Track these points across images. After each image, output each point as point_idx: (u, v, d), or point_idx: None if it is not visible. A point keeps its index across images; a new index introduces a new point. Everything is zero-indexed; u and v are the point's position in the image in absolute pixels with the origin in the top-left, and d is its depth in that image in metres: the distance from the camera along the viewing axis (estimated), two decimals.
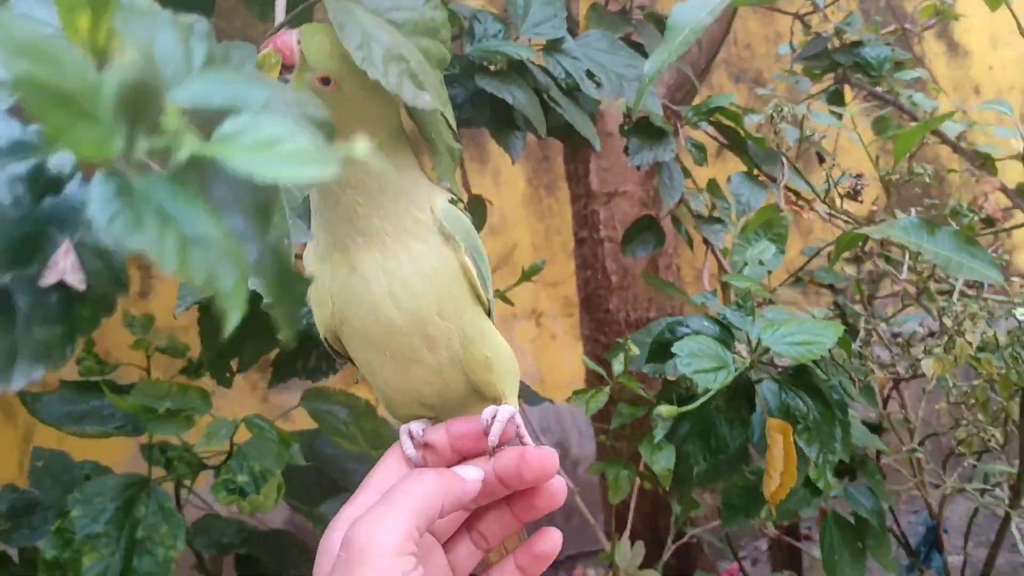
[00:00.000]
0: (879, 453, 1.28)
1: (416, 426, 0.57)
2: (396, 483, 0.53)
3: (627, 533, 1.23)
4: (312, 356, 0.86)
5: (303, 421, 1.36)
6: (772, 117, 1.03)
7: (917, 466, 1.36)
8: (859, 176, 1.06)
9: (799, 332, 0.87)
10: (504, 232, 3.13)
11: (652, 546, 1.21)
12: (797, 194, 1.21)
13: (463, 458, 0.57)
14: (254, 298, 0.82)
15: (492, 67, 1.03)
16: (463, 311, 0.56)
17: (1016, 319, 0.85)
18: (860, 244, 1.17)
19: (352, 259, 0.54)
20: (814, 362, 0.89)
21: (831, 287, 2.01)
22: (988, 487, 1.21)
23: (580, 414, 3.14)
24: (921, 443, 1.17)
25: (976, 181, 1.96)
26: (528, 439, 0.58)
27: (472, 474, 0.54)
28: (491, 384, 0.57)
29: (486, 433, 0.55)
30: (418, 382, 0.57)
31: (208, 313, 0.84)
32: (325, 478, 1.28)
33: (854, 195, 1.06)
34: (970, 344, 0.89)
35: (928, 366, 0.93)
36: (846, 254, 1.16)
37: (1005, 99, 3.13)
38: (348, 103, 0.52)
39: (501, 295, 1.36)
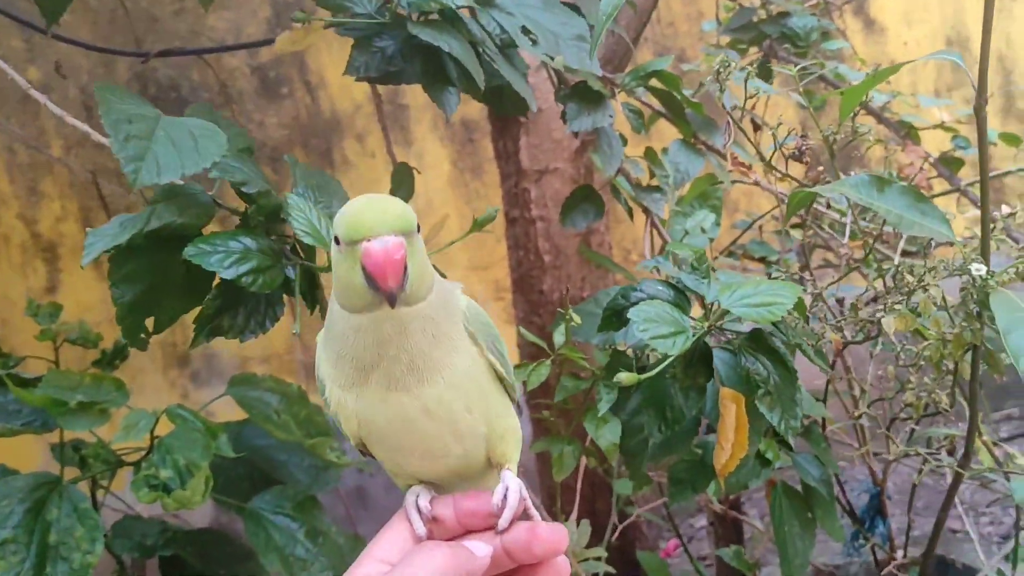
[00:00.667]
0: (824, 421, 1.26)
1: (424, 500, 0.58)
2: (409, 556, 0.54)
3: (574, 514, 1.19)
4: (240, 312, 0.78)
5: (225, 415, 1.28)
6: (719, 72, 0.99)
7: (861, 433, 1.35)
8: (804, 136, 1.03)
9: (758, 293, 0.84)
10: (430, 215, 3.06)
11: (592, 528, 1.17)
12: (742, 163, 1.18)
13: (469, 531, 0.58)
14: (172, 247, 0.75)
15: (425, 17, 0.97)
16: (488, 398, 0.59)
17: (971, 275, 0.84)
18: (804, 209, 1.15)
19: (384, 391, 0.56)
20: (774, 324, 0.86)
21: (763, 260, 2.01)
22: (933, 451, 1.20)
23: None
24: (863, 411, 1.16)
25: (901, 150, 1.98)
26: (535, 514, 0.59)
27: (482, 550, 0.56)
28: (503, 453, 0.61)
29: (496, 515, 0.57)
30: (443, 470, 0.59)
31: (121, 260, 0.76)
32: (255, 471, 1.21)
33: (799, 156, 1.03)
34: (933, 300, 0.87)
35: (889, 323, 0.91)
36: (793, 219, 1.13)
37: (920, 74, 3.20)
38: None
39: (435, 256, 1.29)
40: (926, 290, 0.88)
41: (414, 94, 3.03)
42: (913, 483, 1.33)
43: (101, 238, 0.74)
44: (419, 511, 0.57)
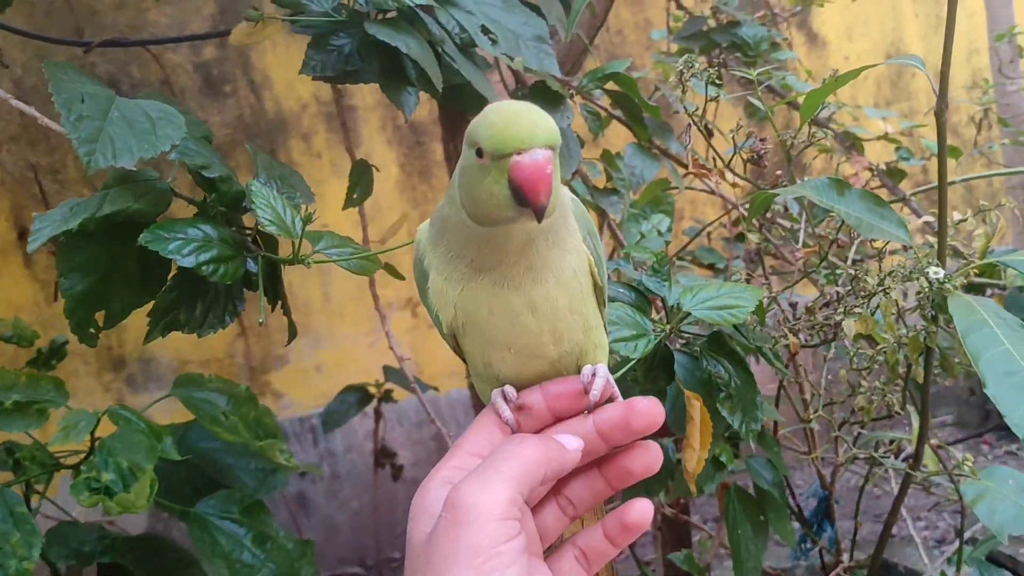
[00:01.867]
0: (776, 425, 1.27)
1: (509, 389, 0.58)
2: (499, 447, 0.54)
3: None
4: (198, 306, 0.75)
5: (163, 420, 1.23)
6: (682, 73, 0.99)
7: (811, 438, 1.36)
8: (763, 140, 1.03)
9: (719, 296, 0.84)
10: (377, 218, 3.01)
11: None
12: (703, 166, 1.18)
13: (558, 419, 0.57)
14: (126, 235, 0.71)
15: (383, 15, 0.95)
16: (587, 302, 0.59)
17: (927, 279, 0.85)
18: (762, 212, 1.16)
19: (495, 287, 0.56)
20: (735, 327, 0.86)
21: (711, 266, 2.02)
22: (881, 455, 1.22)
23: (459, 403, 3.08)
24: (815, 414, 1.17)
25: (846, 160, 2.01)
26: (620, 397, 0.58)
27: (574, 443, 0.55)
28: (596, 359, 0.60)
29: (586, 391, 0.57)
30: (534, 372, 0.58)
31: (71, 248, 0.72)
32: (199, 475, 1.17)
33: (757, 159, 1.03)
34: (895, 301, 0.88)
35: (850, 326, 0.91)
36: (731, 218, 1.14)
37: (859, 88, 3.27)
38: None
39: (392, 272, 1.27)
40: (887, 293, 0.88)
41: (362, 94, 2.99)
42: (861, 487, 1.34)
43: (49, 223, 0.70)
44: (505, 399, 0.57)
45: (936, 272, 0.84)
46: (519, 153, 0.50)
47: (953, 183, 1.54)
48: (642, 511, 0.57)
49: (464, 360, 0.63)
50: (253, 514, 1.06)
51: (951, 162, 2.04)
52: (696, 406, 0.86)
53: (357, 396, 1.82)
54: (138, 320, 2.54)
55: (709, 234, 2.09)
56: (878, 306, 0.89)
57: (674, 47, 2.19)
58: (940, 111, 0.85)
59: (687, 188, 1.57)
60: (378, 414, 1.91)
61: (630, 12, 3.22)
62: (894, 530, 2.49)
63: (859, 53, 3.35)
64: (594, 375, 0.57)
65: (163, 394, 1.16)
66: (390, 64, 0.98)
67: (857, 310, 0.91)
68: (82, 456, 0.99)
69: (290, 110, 2.94)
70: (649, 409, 0.56)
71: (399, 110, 1.00)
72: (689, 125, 1.04)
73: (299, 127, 2.95)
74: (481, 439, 0.56)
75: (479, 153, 0.52)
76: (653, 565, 2.41)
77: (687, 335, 0.95)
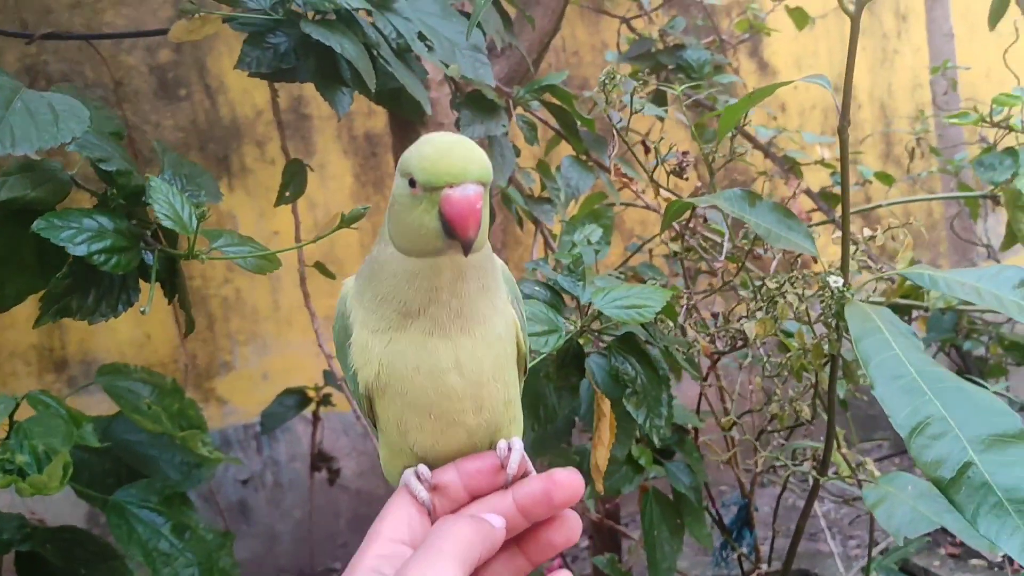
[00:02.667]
0: (696, 432, 1.31)
1: (423, 468, 0.57)
2: (435, 530, 0.51)
3: None
4: (91, 294, 0.76)
5: (95, 413, 1.23)
6: (604, 83, 1.03)
7: (731, 446, 1.40)
8: (685, 153, 1.07)
9: (629, 296, 0.87)
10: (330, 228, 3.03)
11: None
12: (625, 175, 1.22)
13: (474, 497, 0.56)
14: (23, 222, 0.73)
15: (319, 16, 0.97)
16: (510, 369, 0.59)
17: (829, 287, 0.89)
18: (683, 222, 1.20)
19: (424, 336, 0.55)
20: (643, 326, 0.89)
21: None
22: (796, 462, 1.25)
23: None
24: (728, 420, 1.21)
25: (785, 183, 2.07)
26: (534, 472, 0.58)
27: (498, 521, 0.53)
28: (510, 434, 0.60)
29: (503, 466, 0.56)
30: (451, 443, 0.58)
31: None
32: (122, 467, 1.17)
33: (680, 172, 1.07)
34: (790, 304, 0.92)
35: (750, 329, 0.95)
36: (669, 233, 1.18)
37: (807, 118, 3.36)
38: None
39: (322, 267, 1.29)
40: (785, 297, 0.92)
41: (317, 104, 3.01)
42: (779, 495, 1.38)
43: None
44: (419, 479, 0.56)
45: (836, 281, 0.88)
46: (451, 187, 0.51)
47: (878, 207, 1.61)
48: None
49: (375, 427, 0.61)
50: (173, 505, 1.06)
51: (885, 188, 2.11)
52: (606, 404, 0.89)
53: (296, 399, 1.83)
54: (80, 323, 2.52)
55: (651, 251, 2.13)
56: (778, 310, 0.93)
57: (626, 68, 2.24)
58: (842, 128, 0.90)
59: (624, 204, 1.62)
60: (316, 418, 1.92)
61: (587, 33, 3.27)
62: (818, 544, 2.54)
63: (807, 84, 3.44)
64: (510, 449, 0.57)
65: (96, 390, 1.16)
66: (325, 64, 1.01)
67: (758, 314, 0.94)
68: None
69: (245, 116, 2.94)
70: (570, 480, 0.55)
71: (333, 109, 1.02)
72: (614, 134, 1.07)
73: (253, 133, 2.95)
74: (400, 524, 0.54)
75: (411, 183, 0.53)
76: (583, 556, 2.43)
77: (607, 337, 0.99)
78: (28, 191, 0.73)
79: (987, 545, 0.99)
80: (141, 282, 0.81)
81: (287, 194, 1.11)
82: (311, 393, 1.84)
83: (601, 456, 0.92)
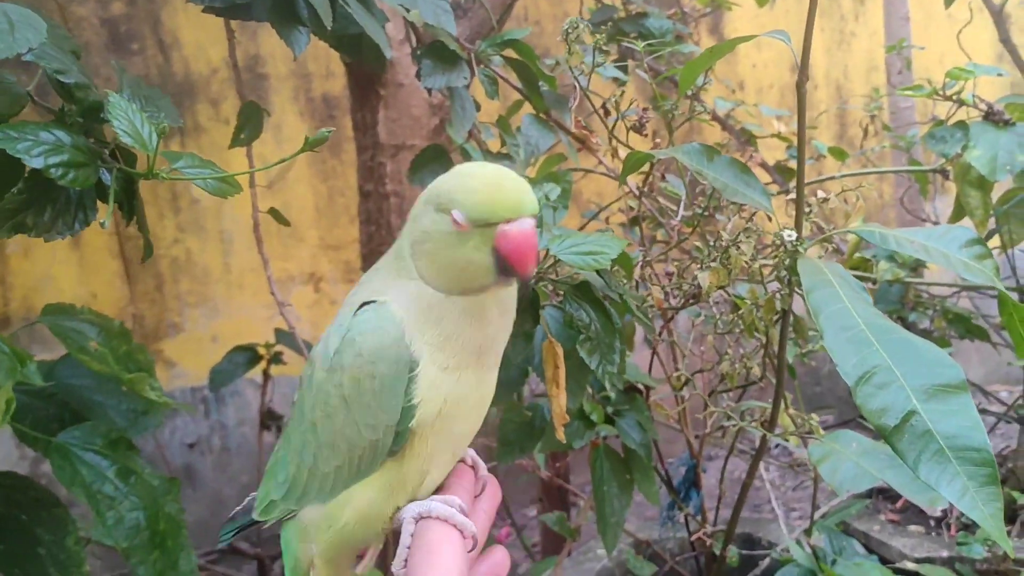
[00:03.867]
0: (648, 390, 1.32)
1: (455, 499, 0.57)
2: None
3: None
4: (48, 210, 0.74)
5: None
6: (567, 33, 1.02)
7: (682, 411, 1.41)
8: (645, 109, 1.07)
9: (585, 243, 0.87)
10: (285, 190, 2.99)
11: None
12: (586, 128, 1.22)
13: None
14: None
15: None
16: None
17: (783, 241, 0.90)
18: (641, 185, 1.20)
19: (474, 374, 0.56)
20: (599, 274, 0.89)
21: None
22: (746, 423, 1.27)
23: None
24: (687, 380, 1.22)
25: (741, 156, 2.09)
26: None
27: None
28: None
29: (473, 466, 0.61)
30: (452, 463, 0.60)
31: None
32: (67, 411, 1.14)
33: (639, 128, 1.08)
34: (744, 254, 0.93)
35: (704, 278, 0.96)
36: (627, 194, 1.18)
37: (765, 96, 3.39)
38: None
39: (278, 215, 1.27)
40: (738, 247, 0.93)
41: (275, 63, 2.96)
42: (727, 455, 1.40)
43: None
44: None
45: (790, 235, 0.89)
46: (507, 222, 0.51)
47: (832, 178, 1.62)
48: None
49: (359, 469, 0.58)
50: (118, 448, 1.04)
51: (838, 164, 2.14)
52: (559, 352, 0.90)
53: (246, 356, 1.80)
54: (24, 279, 2.46)
55: (607, 219, 2.14)
56: (731, 260, 0.94)
57: (589, 39, 2.23)
58: (801, 82, 0.90)
59: (585, 171, 1.62)
60: (266, 376, 1.90)
61: (549, 4, 3.26)
62: (763, 514, 2.58)
63: (766, 63, 3.47)
64: (472, 459, 0.61)
65: (37, 342, 1.13)
66: (282, 2, 0.99)
67: (712, 264, 0.95)
68: None
69: (199, 73, 2.88)
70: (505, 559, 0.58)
71: (289, 48, 1.00)
72: (575, 87, 1.07)
73: (208, 91, 2.89)
74: (462, 564, 0.53)
75: (457, 222, 0.52)
76: (539, 547, 2.45)
77: (563, 287, 0.99)
78: None
79: (926, 500, 1.02)
80: (99, 203, 0.79)
81: (242, 136, 1.09)
82: (262, 351, 1.82)
83: (560, 404, 0.92)
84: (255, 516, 0.61)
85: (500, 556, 0.58)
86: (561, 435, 0.99)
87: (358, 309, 0.55)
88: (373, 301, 0.55)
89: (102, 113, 0.72)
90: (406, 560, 0.53)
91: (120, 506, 1.01)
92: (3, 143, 0.67)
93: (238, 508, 0.67)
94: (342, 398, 0.54)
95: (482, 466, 0.62)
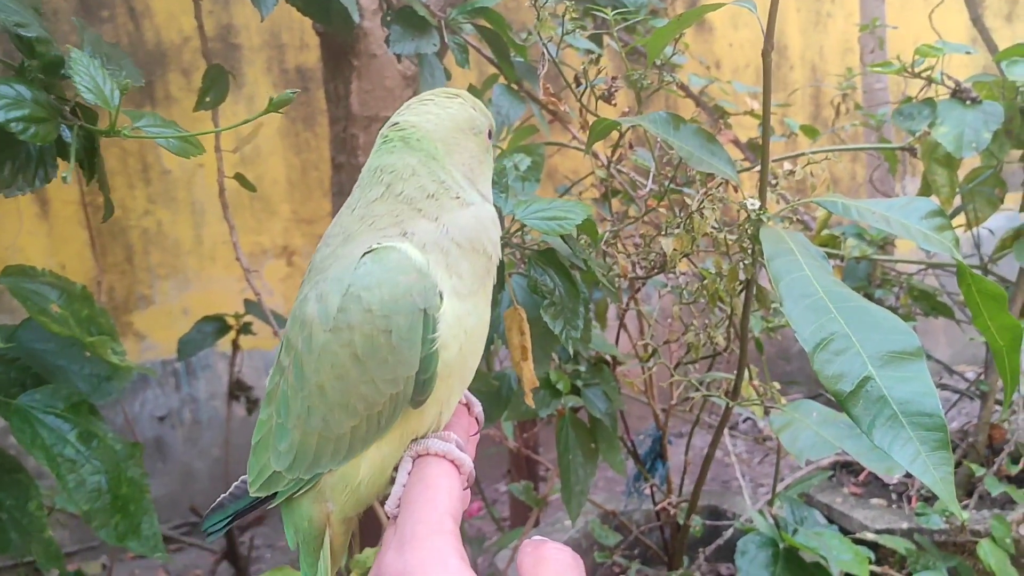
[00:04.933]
0: (614, 360, 1.33)
1: (454, 436, 0.55)
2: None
3: None
4: (7, 166, 0.73)
5: None
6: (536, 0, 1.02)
7: (649, 381, 1.42)
8: (614, 79, 1.07)
9: (551, 208, 0.87)
10: (257, 163, 2.97)
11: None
12: (555, 96, 1.22)
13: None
14: None
15: None
16: None
17: (746, 209, 0.90)
18: (611, 157, 1.20)
19: (482, 300, 0.56)
20: (564, 240, 0.89)
21: None
22: (711, 394, 1.28)
23: None
24: (654, 351, 1.23)
25: (714, 132, 2.09)
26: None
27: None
28: None
29: (476, 418, 0.60)
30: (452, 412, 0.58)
31: None
32: (29, 375, 1.13)
33: (608, 97, 1.08)
34: (706, 220, 0.93)
35: (668, 244, 0.96)
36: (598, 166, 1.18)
37: (740, 75, 3.39)
38: None
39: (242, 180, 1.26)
40: (703, 214, 0.94)
41: (248, 34, 2.92)
42: (692, 426, 1.41)
43: None
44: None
45: (753, 203, 0.90)
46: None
47: (802, 154, 1.63)
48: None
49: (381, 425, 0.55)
50: (80, 412, 1.04)
51: (809, 142, 2.15)
52: (523, 317, 0.90)
53: (215, 326, 1.79)
54: None
55: (580, 194, 2.14)
56: (695, 226, 0.94)
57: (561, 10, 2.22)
58: (766, 51, 0.91)
59: (558, 144, 1.61)
60: (236, 347, 1.89)
61: None
62: (732, 481, 2.61)
63: (741, 42, 3.48)
64: (467, 398, 0.60)
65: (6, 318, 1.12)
66: None
67: (675, 231, 0.96)
68: None
69: (171, 42, 2.85)
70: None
71: (256, 9, 0.99)
72: (543, 54, 1.07)
73: (179, 60, 2.86)
74: (456, 500, 0.51)
75: (486, 137, 0.58)
76: (508, 521, 2.47)
77: (528, 252, 0.99)
78: None
79: (883, 468, 1.03)
80: (60, 161, 0.78)
81: (207, 99, 1.08)
82: (231, 321, 1.81)
83: (528, 369, 0.92)
84: (252, 492, 0.57)
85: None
86: (531, 400, 1.00)
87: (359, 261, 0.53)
88: (372, 250, 0.53)
89: (63, 69, 0.71)
90: (400, 499, 0.52)
91: (81, 469, 1.00)
92: None
93: (224, 495, 0.62)
94: (354, 357, 0.52)
95: (476, 404, 0.60)
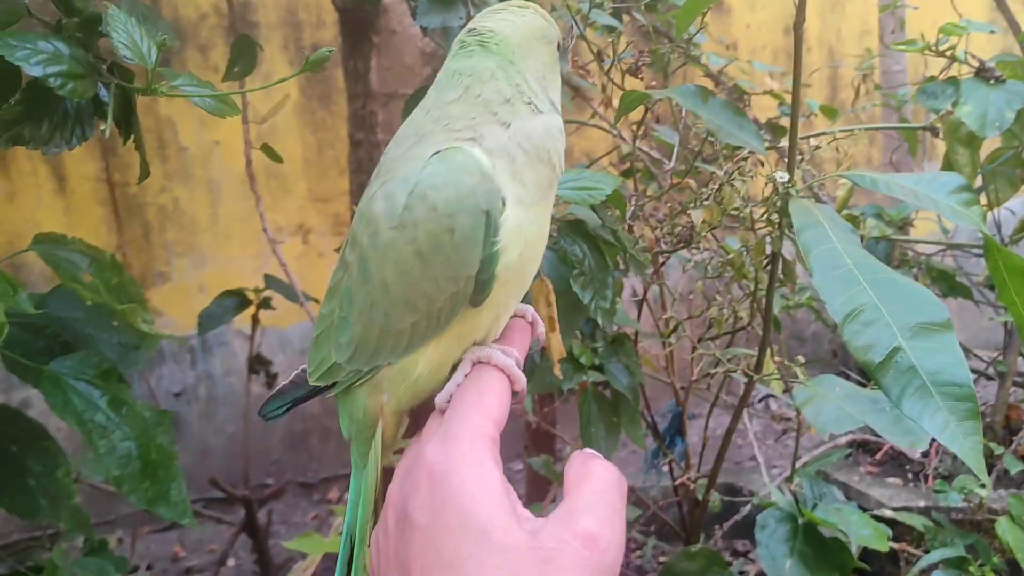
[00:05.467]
0: (636, 335, 1.33)
1: (510, 350, 0.56)
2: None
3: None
4: (45, 123, 0.73)
5: None
6: None
7: (669, 356, 1.43)
8: (642, 52, 1.07)
9: (580, 179, 0.88)
10: (274, 142, 2.96)
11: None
12: (577, 65, 1.22)
13: None
14: None
15: None
16: None
17: (775, 182, 0.91)
18: (635, 131, 1.20)
19: (544, 210, 0.57)
20: (594, 210, 0.90)
21: None
22: (732, 369, 1.29)
23: None
24: (678, 325, 1.23)
25: None
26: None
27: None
28: None
29: (531, 322, 0.61)
30: (509, 317, 0.59)
31: None
32: (57, 343, 1.14)
33: (635, 71, 1.08)
34: (737, 192, 0.94)
35: (698, 216, 0.97)
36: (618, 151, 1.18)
37: (758, 56, 3.37)
38: None
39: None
40: (732, 185, 0.94)
41: (265, 11, 2.92)
42: (712, 402, 1.42)
43: None
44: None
45: (782, 176, 0.90)
46: None
47: (823, 133, 1.63)
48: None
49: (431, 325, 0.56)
50: (110, 379, 1.05)
51: (828, 123, 2.14)
52: (550, 288, 0.91)
53: (235, 301, 1.80)
54: (8, 224, 2.44)
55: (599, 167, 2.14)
56: (724, 197, 0.95)
57: None
58: (798, 24, 0.91)
59: (578, 123, 1.61)
60: (255, 321, 1.90)
61: None
62: (747, 461, 2.62)
63: (759, 23, 3.46)
64: (532, 316, 0.61)
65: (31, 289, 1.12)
66: None
67: (706, 202, 0.96)
68: None
69: (188, 19, 2.85)
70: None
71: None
72: (571, 29, 1.07)
73: (196, 37, 2.86)
74: (504, 409, 0.52)
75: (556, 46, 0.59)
76: (524, 501, 2.49)
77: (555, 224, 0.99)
78: None
79: (907, 442, 1.04)
80: (96, 119, 0.79)
81: (235, 70, 1.09)
82: (251, 295, 1.82)
83: (556, 341, 0.93)
84: (312, 381, 0.59)
85: None
86: (558, 371, 1.00)
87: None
88: (440, 152, 0.54)
89: (100, 27, 0.72)
90: (451, 396, 0.54)
91: (112, 435, 1.01)
92: (3, 50, 0.66)
93: (285, 383, 0.64)
94: (418, 254, 0.53)
95: (540, 324, 0.61)
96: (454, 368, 0.56)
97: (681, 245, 1.07)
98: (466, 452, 0.46)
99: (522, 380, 0.55)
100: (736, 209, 0.95)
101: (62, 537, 1.61)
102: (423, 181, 0.53)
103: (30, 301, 0.98)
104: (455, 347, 0.56)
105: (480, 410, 0.50)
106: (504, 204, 0.53)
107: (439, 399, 0.55)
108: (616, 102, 1.43)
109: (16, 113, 0.72)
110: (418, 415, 0.59)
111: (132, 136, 0.78)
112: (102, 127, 0.73)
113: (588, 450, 0.50)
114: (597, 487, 0.47)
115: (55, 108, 0.73)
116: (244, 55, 1.09)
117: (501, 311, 0.57)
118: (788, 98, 2.18)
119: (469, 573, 0.42)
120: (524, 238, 0.54)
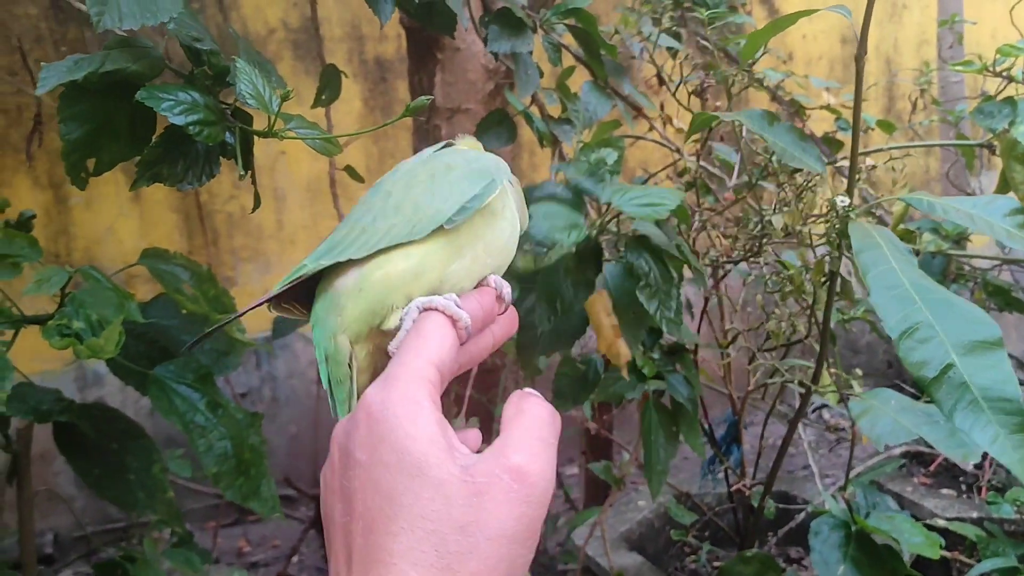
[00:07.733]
0: (696, 348, 1.38)
1: (454, 296, 0.57)
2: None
3: (463, 411, 1.28)
4: (180, 163, 0.82)
5: None
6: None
7: (727, 367, 1.48)
8: (707, 73, 1.13)
9: (645, 196, 0.94)
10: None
11: (485, 424, 1.26)
12: (648, 84, 1.28)
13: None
14: (122, 93, 0.78)
15: None
16: None
17: (835, 206, 0.95)
18: (699, 147, 1.26)
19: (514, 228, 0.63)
20: (658, 225, 0.96)
21: None
22: (789, 380, 1.34)
23: None
24: (737, 335, 1.28)
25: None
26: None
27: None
28: None
29: (500, 296, 0.61)
30: (472, 283, 0.62)
31: (72, 97, 0.79)
32: (156, 349, 1.24)
33: (701, 92, 1.13)
34: (818, 196, 0.99)
35: (779, 221, 1.02)
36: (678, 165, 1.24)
37: (814, 68, 3.39)
38: None
39: None
40: (813, 192, 0.99)
41: (330, 25, 3.03)
42: (767, 412, 1.46)
43: (55, 73, 0.77)
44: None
45: (843, 200, 0.95)
46: None
47: (880, 150, 1.67)
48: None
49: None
50: (207, 383, 1.14)
51: (885, 137, 2.17)
52: (607, 299, 0.97)
53: None
54: (86, 231, 2.56)
55: (656, 184, 2.19)
56: (804, 202, 1.00)
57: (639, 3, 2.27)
58: (860, 56, 0.96)
59: (637, 138, 1.67)
60: None
61: None
62: (799, 471, 2.64)
63: (816, 34, 3.47)
64: (496, 282, 0.62)
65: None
66: None
67: (786, 208, 1.01)
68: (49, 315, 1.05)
69: (256, 33, 2.96)
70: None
71: (376, 17, 1.07)
72: (641, 51, 1.13)
73: (264, 51, 2.97)
74: (445, 351, 0.54)
75: None
76: (579, 502, 2.54)
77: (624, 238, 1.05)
78: (129, 64, 0.79)
79: (960, 454, 1.08)
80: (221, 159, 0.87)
81: (323, 97, 1.17)
82: None
83: (623, 346, 0.99)
84: (280, 284, 0.60)
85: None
86: (625, 372, 1.06)
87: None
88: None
89: (228, 77, 0.80)
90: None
91: (210, 435, 1.10)
92: (150, 101, 0.75)
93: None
94: (430, 175, 0.59)
95: (506, 290, 0.62)
96: (402, 311, 0.58)
97: (748, 255, 1.12)
98: (403, 392, 0.49)
99: (464, 317, 0.56)
100: (805, 220, 1.00)
101: (148, 529, 1.71)
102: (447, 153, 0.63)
103: (138, 311, 1.07)
104: (414, 276, 0.58)
105: (417, 354, 0.52)
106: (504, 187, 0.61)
107: (391, 347, 0.57)
108: (675, 119, 1.48)
109: (156, 154, 0.81)
110: None
111: (249, 171, 0.86)
112: (239, 172, 0.82)
113: (527, 389, 0.53)
114: (529, 423, 0.50)
115: (189, 149, 0.82)
116: (331, 84, 1.17)
117: (467, 254, 0.59)
118: (845, 112, 2.21)
119: (405, 505, 0.46)
120: (510, 222, 0.61)
